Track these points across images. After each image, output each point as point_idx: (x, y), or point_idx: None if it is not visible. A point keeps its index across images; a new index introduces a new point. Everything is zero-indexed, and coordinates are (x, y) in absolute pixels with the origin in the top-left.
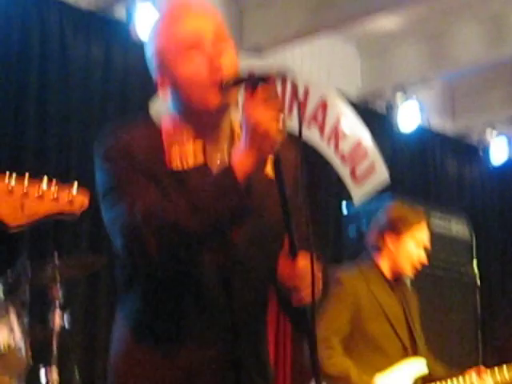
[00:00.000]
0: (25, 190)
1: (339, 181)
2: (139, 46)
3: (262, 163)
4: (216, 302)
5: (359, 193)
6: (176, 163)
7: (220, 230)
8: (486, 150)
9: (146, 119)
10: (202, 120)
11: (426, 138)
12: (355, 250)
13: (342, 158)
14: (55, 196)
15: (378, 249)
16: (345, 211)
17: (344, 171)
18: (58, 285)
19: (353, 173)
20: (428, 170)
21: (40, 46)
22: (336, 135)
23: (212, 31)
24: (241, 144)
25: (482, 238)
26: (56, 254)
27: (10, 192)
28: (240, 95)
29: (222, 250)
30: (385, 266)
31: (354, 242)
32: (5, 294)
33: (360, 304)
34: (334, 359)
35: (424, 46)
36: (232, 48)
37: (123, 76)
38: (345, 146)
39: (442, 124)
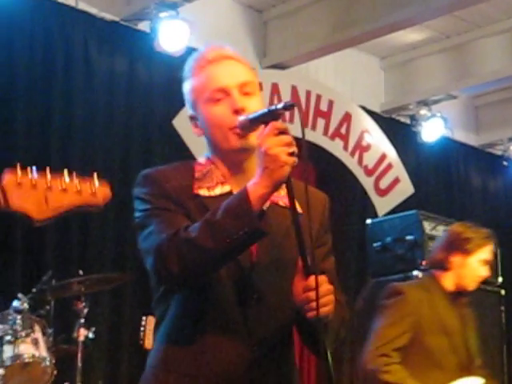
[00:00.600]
0: (48, 184)
1: (364, 194)
2: (163, 58)
3: (275, 188)
4: (233, 321)
5: (383, 205)
6: (203, 191)
7: (236, 250)
8: (509, 161)
9: (184, 162)
10: (229, 161)
11: (449, 149)
12: (379, 264)
13: (366, 170)
14: (78, 188)
15: (443, 268)
16: (369, 226)
17: (368, 184)
18: (83, 299)
19: (377, 185)
20: (452, 181)
21: (64, 57)
22: (360, 148)
23: (238, 82)
24: (257, 170)
25: (506, 248)
26: (81, 270)
27: (34, 186)
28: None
29: (239, 271)
30: (448, 282)
31: (379, 256)
32: (30, 308)
33: (421, 315)
34: (391, 367)
35: (447, 59)
36: (258, 97)
37: (147, 87)
38: (369, 159)
39: (465, 137)
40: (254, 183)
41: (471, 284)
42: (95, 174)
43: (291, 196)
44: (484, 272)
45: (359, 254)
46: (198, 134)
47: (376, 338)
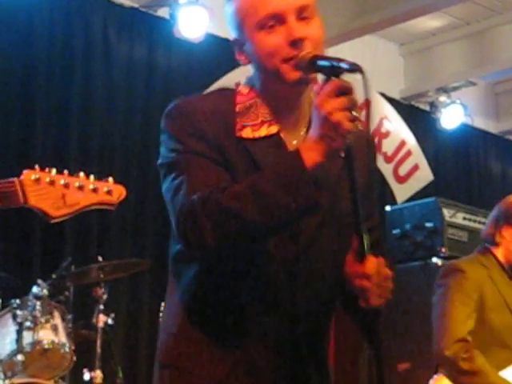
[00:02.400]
0: (65, 182)
1: (383, 181)
2: (182, 44)
3: (332, 155)
4: (278, 293)
5: (402, 192)
6: (247, 132)
7: (285, 224)
8: None
9: (223, 90)
10: (279, 96)
11: (469, 135)
12: (399, 251)
13: (385, 157)
14: (94, 186)
15: (495, 242)
16: (388, 212)
17: (387, 170)
18: (102, 285)
19: (396, 172)
20: (471, 168)
21: (84, 43)
22: (379, 134)
23: (298, 4)
24: (312, 132)
25: None
26: (100, 256)
27: (51, 183)
28: (320, 77)
29: (288, 242)
30: (502, 257)
31: (398, 243)
32: (50, 294)
33: (484, 292)
34: (470, 353)
35: (467, 45)
36: (318, 21)
37: (166, 73)
38: (388, 146)
39: (485, 124)
40: (309, 148)
41: None
42: (111, 178)
43: (350, 167)
44: None
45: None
46: (242, 61)
47: (447, 322)
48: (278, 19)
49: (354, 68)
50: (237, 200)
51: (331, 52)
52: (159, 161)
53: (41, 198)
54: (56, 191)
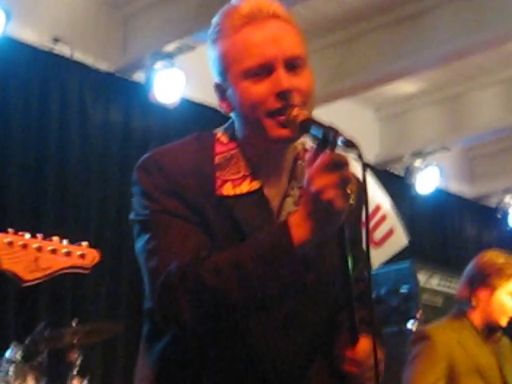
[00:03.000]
0: (38, 245)
1: None
2: (158, 109)
3: (324, 236)
4: (259, 366)
5: (378, 256)
6: (227, 189)
7: (268, 301)
8: (504, 213)
9: (199, 136)
10: (261, 149)
11: (444, 200)
12: None
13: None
14: (67, 251)
15: (470, 304)
16: None
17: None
18: (77, 351)
19: (371, 236)
20: (447, 233)
21: (60, 107)
22: None
23: (285, 53)
24: (302, 206)
25: None
26: (74, 320)
27: (24, 247)
28: (309, 139)
29: (271, 315)
30: (477, 319)
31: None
32: (24, 359)
33: (453, 358)
34: None
35: (442, 110)
36: (308, 72)
37: (142, 138)
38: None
39: (460, 188)
40: (298, 224)
41: (501, 320)
42: (85, 242)
43: (343, 244)
44: None
45: None
46: (224, 108)
47: None
48: (266, 69)
49: (349, 145)
50: (217, 276)
51: None
52: (131, 215)
53: (13, 262)
54: (29, 255)
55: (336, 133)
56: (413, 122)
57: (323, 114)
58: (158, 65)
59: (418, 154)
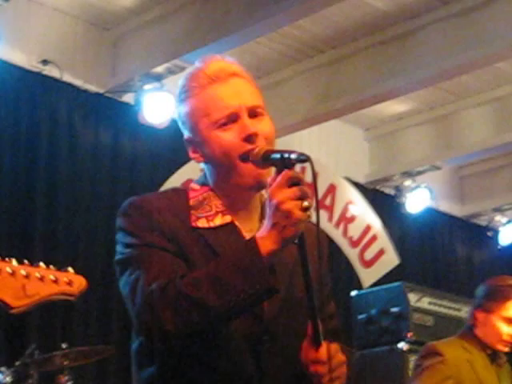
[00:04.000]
0: (26, 272)
1: (348, 266)
2: (147, 130)
3: (286, 245)
4: (244, 375)
5: (368, 276)
6: (202, 222)
7: (244, 309)
8: (494, 232)
9: (175, 188)
10: (232, 193)
11: (434, 219)
12: (364, 336)
13: (351, 242)
14: (55, 278)
15: (472, 325)
16: (354, 298)
17: (353, 255)
18: (67, 372)
19: (361, 256)
20: (437, 252)
21: (49, 128)
22: (345, 219)
23: (248, 103)
24: (266, 221)
25: None
26: (65, 343)
27: (12, 274)
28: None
29: (250, 324)
30: (480, 340)
31: (364, 328)
32: (13, 382)
33: (461, 377)
34: None
35: (432, 129)
36: (268, 119)
37: (132, 159)
38: (353, 230)
39: (450, 208)
40: (263, 237)
41: (497, 344)
42: (70, 268)
43: (303, 254)
44: (510, 331)
45: (344, 326)
46: (196, 159)
47: None
48: (232, 118)
49: (303, 158)
50: (195, 287)
51: (297, 138)
52: (115, 258)
53: (1, 289)
54: (16, 282)
55: (290, 151)
56: (402, 142)
57: (314, 134)
58: (147, 86)
59: (407, 174)
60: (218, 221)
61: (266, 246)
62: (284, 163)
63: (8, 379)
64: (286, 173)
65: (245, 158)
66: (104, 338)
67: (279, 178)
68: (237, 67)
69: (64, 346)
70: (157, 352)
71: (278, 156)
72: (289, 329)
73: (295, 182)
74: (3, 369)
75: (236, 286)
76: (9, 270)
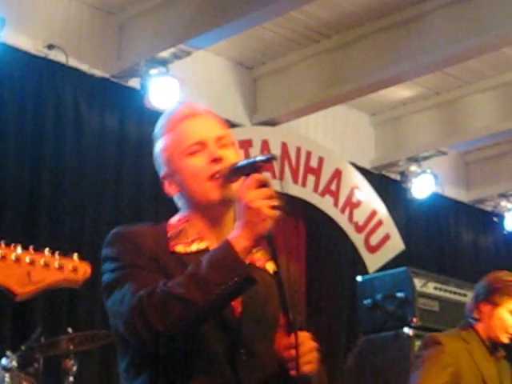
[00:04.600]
0: (30, 259)
1: (354, 251)
2: (153, 115)
3: (256, 242)
4: (223, 376)
5: (374, 261)
6: (179, 248)
7: (226, 301)
8: (500, 217)
9: (154, 223)
10: (206, 215)
11: (440, 204)
12: (370, 321)
13: (357, 227)
14: (59, 265)
15: (475, 318)
16: (359, 283)
17: (358, 240)
18: (72, 359)
19: (367, 242)
20: (443, 238)
21: (55, 113)
22: (350, 205)
23: (215, 135)
24: (237, 223)
25: None
26: (70, 328)
27: (18, 260)
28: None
29: (226, 328)
30: (483, 333)
31: (369, 313)
32: (19, 366)
33: (460, 366)
34: None
35: (437, 115)
36: (235, 150)
37: (137, 144)
38: (359, 216)
39: (456, 193)
40: (236, 236)
41: (503, 336)
42: (75, 254)
43: (273, 249)
44: None
45: (349, 311)
46: (172, 192)
47: None
48: (201, 145)
49: (269, 157)
50: (178, 287)
51: (303, 123)
52: (102, 285)
53: (6, 276)
54: (21, 268)
55: (255, 156)
56: (408, 127)
57: (320, 119)
58: (153, 71)
59: (413, 159)
60: (195, 247)
61: (239, 243)
62: (252, 167)
63: (13, 363)
64: (253, 175)
65: (213, 177)
66: (109, 323)
67: (248, 181)
68: (205, 109)
69: (69, 330)
70: (146, 361)
71: (244, 162)
72: (264, 346)
73: (263, 183)
74: (9, 353)
75: (215, 280)
76: (14, 257)
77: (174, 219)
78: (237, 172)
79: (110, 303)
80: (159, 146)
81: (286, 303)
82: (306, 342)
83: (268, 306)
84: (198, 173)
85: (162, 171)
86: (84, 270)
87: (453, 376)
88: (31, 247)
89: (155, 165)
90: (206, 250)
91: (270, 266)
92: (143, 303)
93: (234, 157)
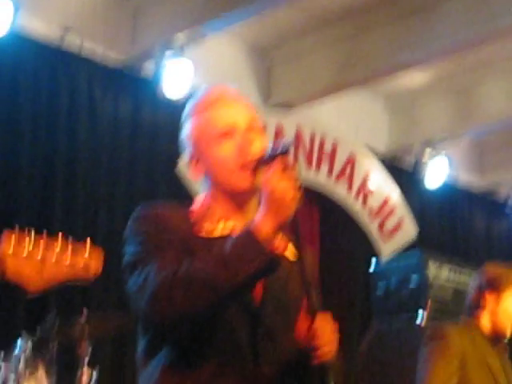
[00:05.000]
0: (42, 255)
1: (367, 237)
2: (167, 104)
3: (280, 226)
4: (243, 361)
5: (387, 249)
6: (206, 232)
7: (248, 285)
8: None
9: (178, 203)
10: (231, 202)
11: (454, 191)
12: (383, 307)
13: (370, 213)
14: (70, 262)
15: (479, 307)
16: (373, 268)
17: (372, 227)
18: (86, 342)
19: (381, 228)
20: (456, 226)
21: (69, 104)
22: (364, 191)
23: (245, 121)
24: (259, 210)
25: None
26: (85, 310)
27: (29, 257)
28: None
29: (247, 313)
30: (486, 324)
31: (382, 299)
32: (34, 350)
33: (465, 354)
34: None
35: (451, 101)
36: (263, 137)
37: (151, 133)
38: (373, 202)
39: (470, 179)
40: (260, 220)
41: (507, 326)
42: (88, 241)
43: (297, 233)
44: None
45: (363, 297)
46: (196, 175)
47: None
48: (231, 131)
49: (287, 145)
50: (204, 268)
51: (317, 107)
52: (123, 264)
53: (18, 273)
54: (33, 266)
55: (278, 144)
56: (422, 113)
57: (334, 103)
58: (168, 55)
59: (427, 145)
60: (220, 230)
61: (264, 227)
62: (275, 155)
63: (28, 345)
64: (278, 160)
65: (243, 167)
66: (124, 305)
67: (273, 166)
68: (237, 93)
69: (84, 312)
70: (166, 342)
71: (267, 152)
72: (284, 331)
73: (287, 168)
74: (24, 334)
75: (241, 262)
76: (25, 254)
77: (198, 201)
78: (262, 162)
79: (133, 281)
80: (188, 128)
81: (308, 287)
82: (327, 324)
83: (288, 291)
84: (228, 161)
85: (188, 153)
86: (95, 267)
87: (459, 366)
88: (45, 233)
89: (182, 146)
90: (232, 230)
91: (290, 253)
92: (168, 284)
93: (263, 144)
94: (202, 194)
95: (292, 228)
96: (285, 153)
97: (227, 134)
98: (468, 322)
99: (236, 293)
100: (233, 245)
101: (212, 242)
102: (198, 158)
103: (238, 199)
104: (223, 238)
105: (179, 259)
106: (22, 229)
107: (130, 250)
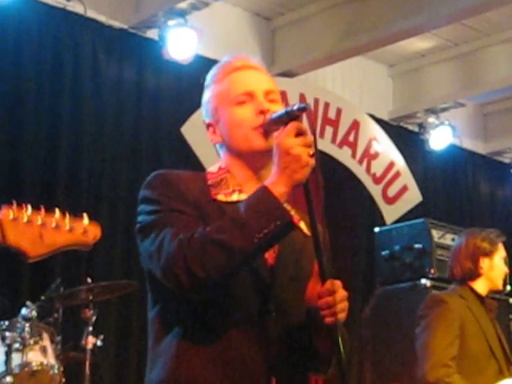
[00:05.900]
0: (41, 221)
1: (372, 202)
2: (171, 66)
3: (293, 188)
4: (253, 326)
5: (391, 213)
6: (220, 197)
7: (264, 247)
8: None
9: (195, 171)
10: (247, 169)
11: (457, 157)
12: (387, 272)
13: (374, 178)
14: (70, 227)
15: (475, 275)
16: (377, 232)
17: (376, 191)
18: (91, 307)
19: (385, 193)
20: (460, 190)
21: (73, 64)
22: (368, 156)
23: (264, 89)
24: (274, 168)
25: None
26: (89, 277)
27: (29, 222)
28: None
29: (260, 281)
30: (481, 288)
31: (387, 264)
32: (39, 316)
33: (464, 320)
34: (452, 378)
35: (455, 67)
36: (282, 106)
37: (155, 95)
38: (377, 167)
39: (473, 145)
40: (274, 182)
41: (500, 279)
42: (85, 214)
43: (309, 198)
44: (505, 268)
45: (367, 262)
46: (215, 140)
47: (431, 349)
48: (249, 96)
49: (303, 106)
50: (220, 231)
51: (321, 74)
52: (137, 226)
53: (19, 238)
54: (33, 230)
55: (293, 105)
56: (426, 79)
57: (338, 70)
58: (171, 22)
59: (431, 111)
60: (235, 197)
61: (278, 189)
62: (289, 116)
63: (33, 313)
64: (292, 123)
65: (257, 127)
66: (128, 273)
67: (287, 128)
68: (257, 62)
69: (88, 280)
70: (179, 308)
71: (282, 111)
72: (294, 304)
73: (301, 132)
74: (29, 303)
75: (256, 224)
76: (25, 218)
77: (214, 168)
78: (277, 122)
79: (146, 246)
80: (208, 94)
81: (320, 250)
82: (340, 290)
83: (301, 261)
84: (244, 122)
85: (208, 119)
86: (94, 232)
87: (459, 331)
88: (42, 208)
89: (202, 112)
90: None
91: (303, 225)
92: (183, 248)
93: (280, 108)
94: (217, 163)
95: (304, 191)
96: (302, 110)
97: (246, 98)
98: (461, 289)
99: (252, 256)
100: (248, 206)
101: (228, 206)
102: (216, 122)
103: (253, 164)
104: (237, 203)
105: (195, 225)
106: (19, 205)
107: (145, 214)
